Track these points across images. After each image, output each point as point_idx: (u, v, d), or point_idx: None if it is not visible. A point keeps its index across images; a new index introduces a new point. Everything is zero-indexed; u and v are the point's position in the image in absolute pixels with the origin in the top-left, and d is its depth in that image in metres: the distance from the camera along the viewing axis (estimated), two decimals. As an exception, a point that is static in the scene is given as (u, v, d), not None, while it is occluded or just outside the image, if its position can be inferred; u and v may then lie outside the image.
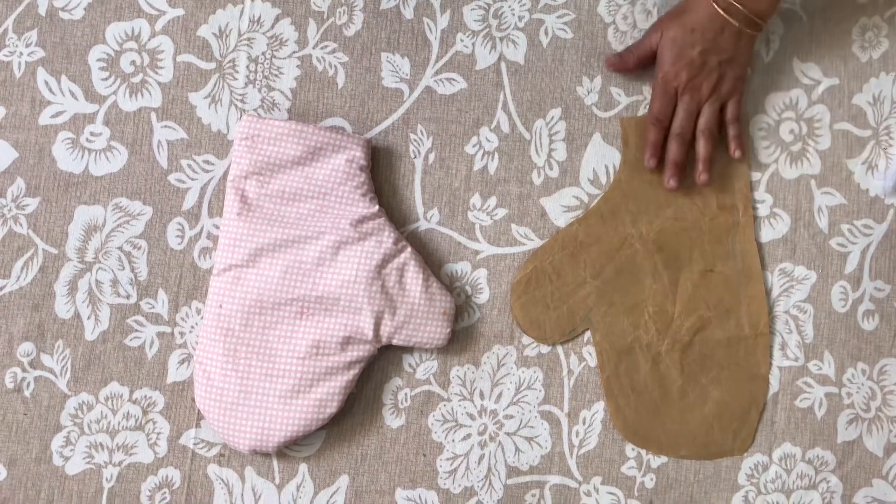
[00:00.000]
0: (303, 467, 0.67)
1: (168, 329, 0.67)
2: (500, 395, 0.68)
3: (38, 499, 0.65)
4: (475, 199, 0.70)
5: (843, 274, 0.71)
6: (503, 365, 0.69)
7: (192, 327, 0.67)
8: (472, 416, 0.68)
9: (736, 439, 0.69)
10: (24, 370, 0.66)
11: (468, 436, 0.68)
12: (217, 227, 0.68)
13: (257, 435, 0.63)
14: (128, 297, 0.67)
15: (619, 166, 0.70)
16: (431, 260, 0.69)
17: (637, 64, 0.69)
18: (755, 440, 0.69)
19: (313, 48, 0.70)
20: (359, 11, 0.70)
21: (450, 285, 0.69)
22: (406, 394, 0.68)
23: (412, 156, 0.69)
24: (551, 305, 0.68)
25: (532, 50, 0.71)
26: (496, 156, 0.70)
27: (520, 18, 0.71)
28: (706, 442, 0.68)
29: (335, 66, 0.70)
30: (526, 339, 0.69)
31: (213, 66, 0.69)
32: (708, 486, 0.69)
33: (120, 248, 0.67)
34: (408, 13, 0.70)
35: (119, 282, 0.67)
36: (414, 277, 0.64)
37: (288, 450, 0.67)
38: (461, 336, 0.68)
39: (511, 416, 0.68)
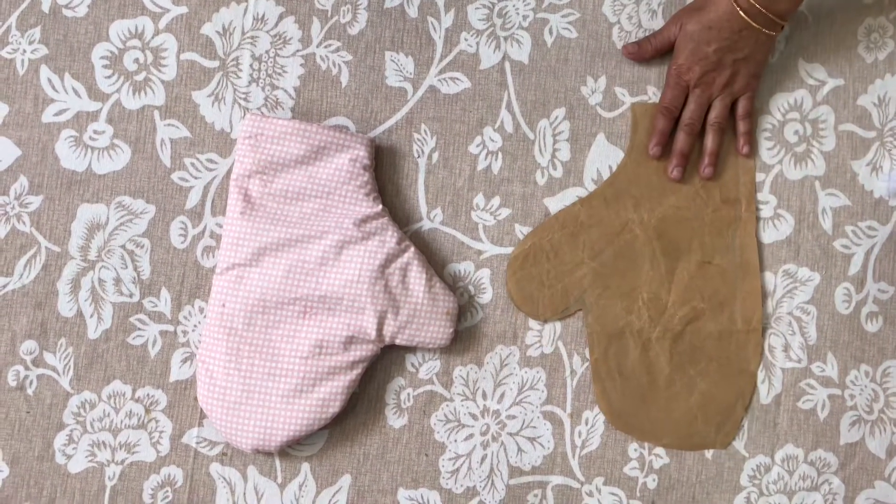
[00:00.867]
0: (305, 466, 0.67)
1: (171, 328, 0.67)
2: (502, 396, 0.68)
3: (40, 497, 0.65)
4: (479, 199, 0.70)
5: (847, 276, 0.71)
6: (506, 365, 0.68)
7: (195, 326, 0.67)
8: (474, 416, 0.68)
9: (719, 432, 0.69)
10: (26, 368, 0.66)
11: (470, 436, 0.68)
12: (220, 225, 0.68)
13: (260, 434, 0.63)
14: (130, 295, 0.67)
15: (626, 151, 0.70)
16: (435, 260, 0.69)
17: (654, 54, 0.70)
18: (757, 441, 0.69)
19: (317, 47, 0.69)
20: (363, 10, 0.70)
21: (453, 285, 0.69)
22: (409, 393, 0.68)
23: (416, 155, 0.69)
24: (546, 283, 0.68)
25: (536, 49, 0.71)
26: (500, 155, 0.70)
27: (524, 18, 0.71)
28: (689, 432, 0.69)
29: (339, 65, 0.69)
30: (529, 339, 0.69)
31: (216, 64, 0.69)
32: (710, 487, 0.69)
33: (123, 247, 0.67)
34: (412, 12, 0.70)
35: (122, 280, 0.67)
36: (417, 277, 0.64)
37: (290, 449, 0.67)
38: (464, 336, 0.68)
39: (513, 417, 0.68)
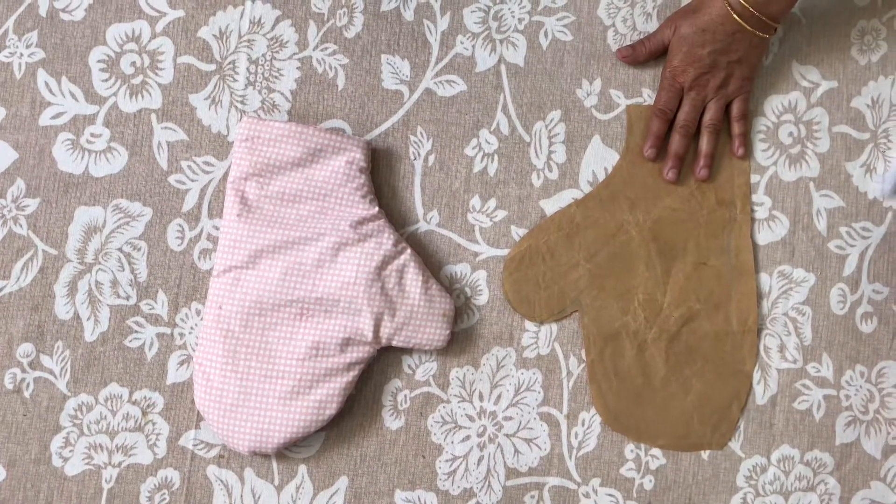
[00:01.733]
0: (302, 468, 0.67)
1: (168, 330, 0.67)
2: (499, 397, 0.68)
3: (37, 499, 0.65)
4: (475, 201, 0.70)
5: (842, 276, 0.71)
6: (502, 366, 0.69)
7: (192, 328, 0.67)
8: (471, 418, 0.68)
9: (715, 433, 0.69)
10: (23, 371, 0.66)
11: (467, 437, 0.68)
12: (217, 228, 0.68)
13: (257, 436, 0.63)
14: (127, 298, 0.67)
15: (621, 153, 0.70)
16: (431, 261, 0.69)
17: (648, 56, 0.70)
18: (753, 441, 0.69)
19: (313, 50, 0.70)
20: (359, 13, 0.70)
21: (449, 287, 0.69)
22: (405, 395, 0.68)
23: (412, 157, 0.70)
24: (542, 284, 0.69)
25: (532, 52, 0.71)
26: (496, 158, 0.70)
27: (519, 21, 0.71)
28: (685, 433, 0.69)
29: (335, 68, 0.70)
30: (525, 341, 0.69)
31: (213, 67, 0.69)
32: (706, 488, 0.69)
33: (120, 250, 0.67)
34: (408, 15, 0.70)
35: (119, 283, 0.67)
36: (413, 279, 0.65)
37: (287, 451, 0.67)
38: (460, 337, 0.69)
39: (510, 418, 0.68)
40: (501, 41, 0.71)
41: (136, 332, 0.67)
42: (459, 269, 0.69)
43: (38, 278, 0.67)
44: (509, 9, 0.71)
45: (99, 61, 0.68)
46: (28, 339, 0.66)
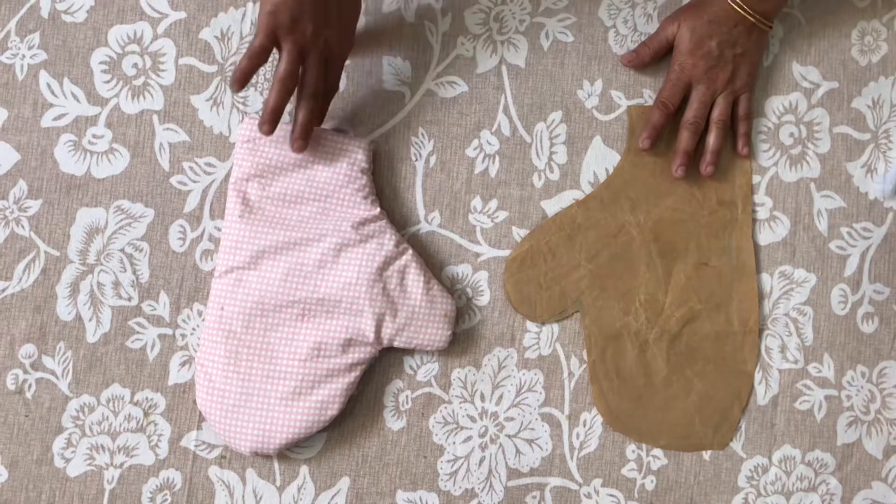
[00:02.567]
0: (304, 469, 0.67)
1: (169, 331, 0.67)
2: (500, 398, 0.68)
3: (39, 500, 0.65)
4: (476, 202, 0.70)
5: (843, 277, 0.71)
6: (504, 367, 0.69)
7: (194, 329, 0.67)
8: (472, 419, 0.68)
9: (716, 433, 0.69)
10: (25, 372, 0.66)
11: (469, 438, 0.68)
12: (219, 229, 0.68)
13: (259, 436, 0.63)
14: (129, 299, 0.67)
15: (622, 153, 0.71)
16: (432, 262, 0.69)
17: (653, 57, 0.70)
18: (755, 442, 0.69)
19: (315, 51, 0.70)
20: (360, 15, 0.70)
21: (451, 288, 0.69)
22: (407, 396, 0.68)
23: (413, 158, 0.70)
24: (544, 285, 0.69)
25: (533, 53, 0.71)
26: (497, 159, 0.70)
27: (521, 22, 0.71)
28: (686, 433, 0.69)
29: (337, 69, 0.70)
30: (527, 341, 0.69)
31: (214, 68, 0.69)
32: (708, 488, 0.69)
33: (122, 251, 0.67)
34: (409, 16, 0.71)
35: (121, 284, 0.67)
36: (415, 280, 0.65)
37: (289, 452, 0.67)
38: (462, 338, 0.69)
39: (512, 419, 0.68)
40: (502, 42, 0.71)
41: (138, 333, 0.67)
42: (461, 269, 0.69)
43: (40, 279, 0.67)
44: (510, 10, 0.71)
45: (101, 63, 0.68)
46: (30, 339, 0.66)
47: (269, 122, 0.60)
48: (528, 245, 0.69)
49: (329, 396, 0.63)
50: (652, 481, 0.69)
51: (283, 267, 0.64)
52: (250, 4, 0.70)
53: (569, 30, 0.71)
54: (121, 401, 0.66)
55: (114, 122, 0.68)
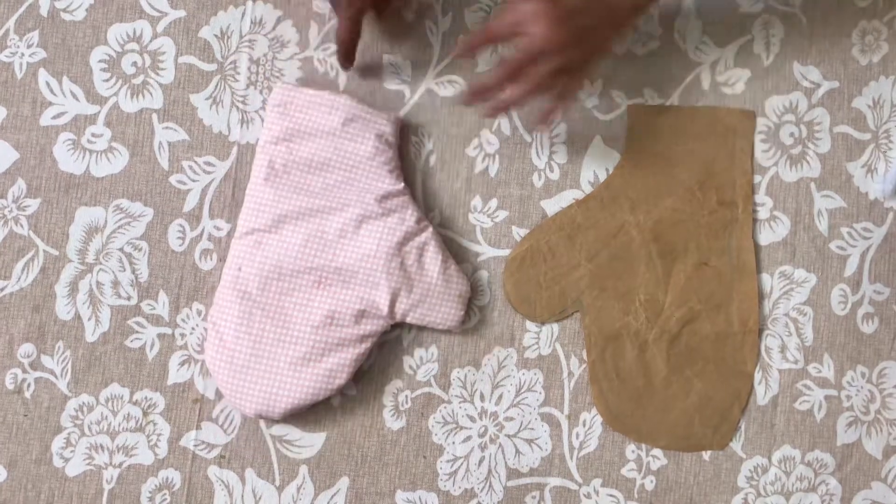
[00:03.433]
0: (303, 469, 0.67)
1: (169, 330, 0.67)
2: (500, 397, 0.68)
3: (38, 500, 0.65)
4: (476, 202, 0.70)
5: (843, 277, 0.71)
6: (503, 367, 0.69)
7: (193, 329, 0.67)
8: (472, 418, 0.68)
9: (716, 434, 0.69)
10: (24, 371, 0.66)
11: (468, 438, 0.68)
12: (218, 228, 0.68)
13: (264, 399, 0.63)
14: (128, 298, 0.67)
15: (622, 153, 0.70)
16: (432, 262, 0.69)
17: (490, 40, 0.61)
18: (755, 442, 0.69)
19: (314, 50, 0.70)
20: (360, 13, 0.70)
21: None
22: (406, 396, 0.68)
23: (413, 158, 0.70)
24: (544, 285, 0.69)
25: (533, 52, 0.71)
26: (497, 158, 0.70)
27: (521, 21, 0.71)
28: (686, 434, 0.69)
29: (336, 68, 0.70)
30: (526, 341, 0.69)
31: (214, 67, 0.69)
32: (708, 489, 0.69)
33: (121, 250, 0.67)
34: (409, 15, 0.70)
35: (120, 283, 0.67)
36: (433, 258, 0.65)
37: (288, 451, 0.67)
38: (462, 338, 0.69)
39: (511, 418, 0.68)
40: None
41: (137, 332, 0.67)
42: (461, 269, 0.69)
43: (38, 278, 0.67)
44: (510, 9, 0.71)
45: (100, 61, 0.68)
46: (29, 339, 0.66)
47: (347, 58, 0.65)
48: (527, 245, 0.69)
49: (338, 365, 0.63)
50: (651, 481, 0.69)
51: (303, 233, 0.64)
52: (250, 3, 0.69)
53: (569, 29, 0.71)
54: (120, 400, 0.66)
55: (113, 121, 0.68)
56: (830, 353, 0.71)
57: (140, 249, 0.67)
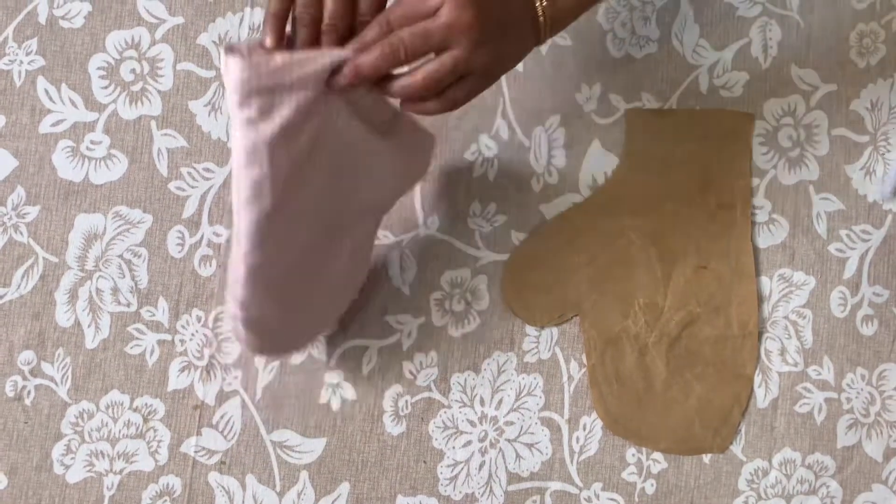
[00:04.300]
0: (303, 475, 0.67)
1: (168, 337, 0.67)
2: (500, 402, 0.68)
3: (38, 507, 0.66)
4: (475, 206, 0.70)
5: (842, 279, 0.71)
6: (503, 371, 0.69)
7: (193, 335, 0.67)
8: (472, 423, 0.68)
9: (716, 436, 0.69)
10: (24, 378, 0.66)
11: (469, 442, 0.68)
12: (217, 234, 0.68)
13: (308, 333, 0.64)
14: (128, 304, 0.67)
15: (621, 157, 0.70)
16: (432, 266, 0.69)
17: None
18: (755, 445, 0.69)
19: (313, 56, 0.70)
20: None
21: (450, 292, 0.69)
22: (406, 401, 0.68)
23: (412, 163, 0.70)
24: (543, 289, 0.69)
25: (531, 57, 0.70)
26: (495, 163, 0.70)
27: (519, 26, 0.71)
28: (686, 437, 0.69)
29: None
30: (526, 346, 0.69)
31: (212, 74, 0.69)
32: (708, 492, 0.69)
33: (120, 256, 0.67)
34: (407, 21, 0.70)
35: (119, 290, 0.67)
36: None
37: (288, 457, 0.67)
38: (461, 342, 0.69)
39: (511, 423, 0.68)
40: (500, 46, 0.71)
41: (137, 338, 0.67)
42: (460, 273, 0.69)
43: (38, 286, 0.67)
44: (508, 14, 0.71)
45: (99, 68, 0.68)
46: (29, 346, 0.66)
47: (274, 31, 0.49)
48: (526, 249, 0.69)
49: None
50: (652, 485, 0.69)
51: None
52: (247, 9, 0.70)
53: (567, 33, 0.71)
54: (120, 407, 0.66)
55: (112, 128, 0.68)
56: (830, 356, 0.71)
57: (139, 256, 0.67)
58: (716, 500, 0.69)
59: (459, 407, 0.68)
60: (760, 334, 0.70)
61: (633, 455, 0.69)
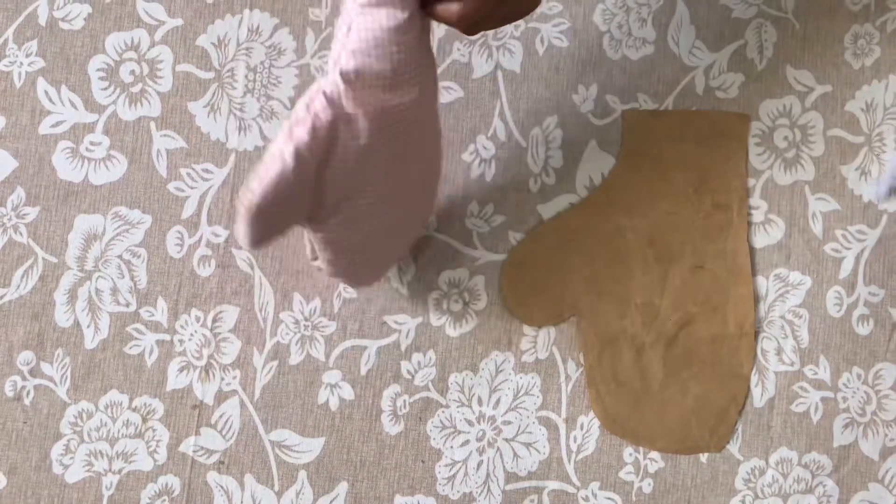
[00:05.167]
0: (302, 474, 0.67)
1: (167, 337, 0.67)
2: (498, 401, 0.69)
3: (37, 507, 0.66)
4: (472, 206, 0.70)
5: (838, 279, 0.72)
6: (501, 371, 0.69)
7: (192, 335, 0.67)
8: (470, 423, 0.68)
9: (713, 436, 0.69)
10: (23, 379, 0.66)
11: (466, 442, 0.68)
12: (216, 235, 0.68)
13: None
14: (127, 305, 0.67)
15: (618, 157, 0.71)
16: (429, 266, 0.69)
17: None
18: (751, 444, 0.70)
19: (311, 57, 0.70)
20: (356, 21, 0.71)
21: (447, 292, 0.69)
22: (404, 400, 0.68)
23: (410, 164, 0.70)
24: (540, 289, 0.69)
25: (528, 59, 0.72)
26: (493, 163, 0.71)
27: (516, 27, 0.72)
28: (683, 436, 0.69)
29: (333, 75, 0.70)
30: (524, 345, 0.69)
31: (212, 75, 0.69)
32: (705, 491, 0.69)
33: (119, 257, 0.68)
34: (405, 22, 0.71)
35: (119, 290, 0.67)
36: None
37: (287, 456, 0.67)
38: (459, 342, 0.69)
39: (509, 422, 0.69)
40: (498, 48, 0.71)
41: (136, 339, 0.67)
42: (458, 274, 0.69)
43: (38, 286, 0.67)
44: (505, 15, 0.72)
45: (98, 70, 0.69)
46: (28, 346, 0.66)
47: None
48: (524, 249, 0.69)
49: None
50: (649, 484, 0.69)
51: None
52: (247, 11, 0.70)
53: (564, 35, 0.72)
54: (119, 407, 0.67)
55: (111, 129, 0.68)
56: (826, 355, 0.71)
57: (139, 256, 0.68)
58: (713, 499, 0.69)
59: (457, 406, 0.68)
60: (757, 334, 0.70)
61: (631, 454, 0.69)
